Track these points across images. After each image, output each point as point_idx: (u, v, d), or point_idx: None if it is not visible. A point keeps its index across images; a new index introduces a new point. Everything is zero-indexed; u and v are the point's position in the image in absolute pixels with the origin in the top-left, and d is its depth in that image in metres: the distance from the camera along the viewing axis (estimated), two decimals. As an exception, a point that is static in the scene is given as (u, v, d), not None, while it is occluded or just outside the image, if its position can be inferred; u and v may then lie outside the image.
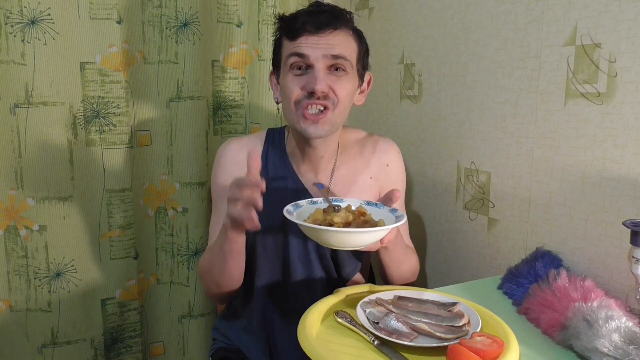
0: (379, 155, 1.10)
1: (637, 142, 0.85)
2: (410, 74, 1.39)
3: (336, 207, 0.85)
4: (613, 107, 0.89)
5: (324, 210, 0.83)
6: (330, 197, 0.90)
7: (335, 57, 0.93)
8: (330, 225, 0.78)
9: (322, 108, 0.94)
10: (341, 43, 0.94)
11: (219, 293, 1.02)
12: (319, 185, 0.93)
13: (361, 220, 0.81)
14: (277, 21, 1.00)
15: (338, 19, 0.95)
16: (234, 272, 0.96)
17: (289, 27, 0.95)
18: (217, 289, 1.00)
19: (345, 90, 0.95)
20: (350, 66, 0.96)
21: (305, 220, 0.80)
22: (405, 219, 0.81)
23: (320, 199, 0.90)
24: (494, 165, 1.14)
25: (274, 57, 1.03)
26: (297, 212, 0.85)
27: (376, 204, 0.88)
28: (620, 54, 0.87)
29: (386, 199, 0.88)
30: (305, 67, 0.94)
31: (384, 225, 0.79)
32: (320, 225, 0.76)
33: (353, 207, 0.86)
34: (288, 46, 0.96)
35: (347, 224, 0.80)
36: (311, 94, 0.92)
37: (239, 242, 0.91)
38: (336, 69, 0.94)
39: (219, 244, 0.93)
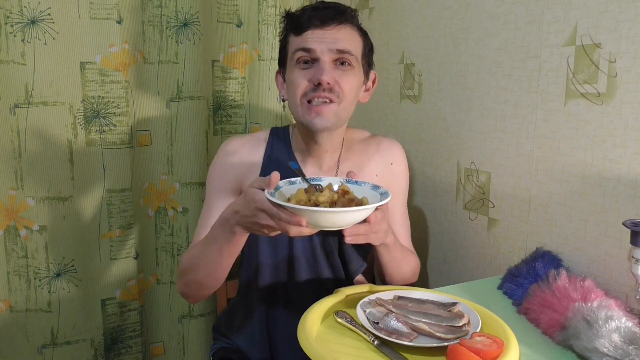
0: (383, 154, 1.11)
1: (637, 142, 0.85)
2: (410, 74, 1.39)
3: (317, 187, 0.83)
4: (613, 107, 0.89)
5: (306, 190, 0.81)
6: (308, 177, 0.87)
7: (341, 51, 0.95)
8: (316, 205, 0.76)
9: (327, 101, 0.95)
10: (346, 37, 0.96)
11: (198, 293, 1.00)
12: (293, 165, 0.89)
13: (346, 198, 0.79)
14: (283, 19, 1.02)
15: (343, 14, 0.97)
16: (224, 274, 0.96)
17: (295, 22, 0.97)
18: (198, 289, 0.99)
19: (350, 84, 0.97)
20: (355, 61, 0.97)
21: (288, 202, 0.78)
22: (389, 198, 0.79)
23: (298, 179, 0.87)
24: (494, 165, 1.14)
25: (280, 55, 1.04)
26: (277, 193, 0.82)
27: (356, 182, 0.86)
28: (620, 54, 0.87)
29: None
30: (311, 60, 0.96)
31: (367, 203, 0.78)
32: (307, 207, 0.74)
33: (335, 186, 0.84)
34: (294, 41, 0.98)
35: (333, 203, 0.78)
36: (317, 86, 0.94)
37: (243, 243, 0.91)
38: (342, 63, 0.96)
39: (216, 246, 0.90)
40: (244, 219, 0.82)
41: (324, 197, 0.77)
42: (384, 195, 0.80)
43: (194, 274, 0.97)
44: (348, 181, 0.86)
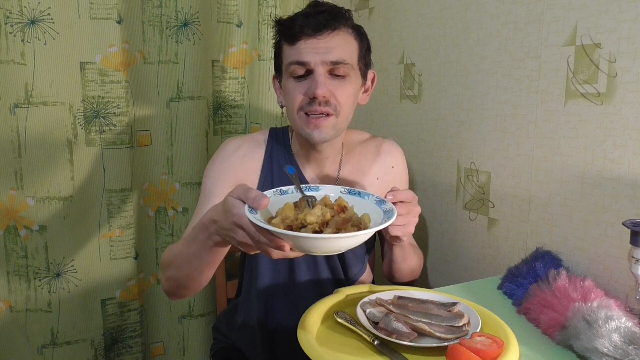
0: (383, 157, 1.10)
1: (637, 142, 0.85)
2: (410, 74, 1.39)
3: (310, 200, 0.72)
4: (613, 107, 0.89)
5: (296, 205, 0.70)
6: (303, 186, 0.76)
7: (335, 62, 0.92)
8: (303, 226, 0.66)
9: (324, 114, 0.93)
10: (340, 45, 0.93)
11: (178, 292, 0.94)
12: (289, 169, 0.79)
13: (341, 218, 0.67)
14: (275, 25, 0.99)
15: (336, 19, 0.93)
16: (205, 279, 0.89)
17: (288, 31, 0.95)
18: (178, 287, 0.92)
19: (346, 94, 0.95)
20: (351, 68, 0.95)
21: (272, 219, 0.67)
22: (394, 218, 0.69)
23: (291, 188, 0.75)
24: (494, 165, 1.14)
25: (275, 61, 1.03)
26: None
27: (359, 193, 0.75)
28: (620, 54, 0.87)
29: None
30: (306, 72, 0.93)
31: (368, 220, 0.69)
32: (286, 230, 0.62)
33: (332, 197, 0.72)
34: (288, 51, 0.95)
35: (325, 224, 0.67)
36: (313, 99, 0.92)
37: (224, 253, 0.84)
38: (337, 74, 0.94)
39: (196, 250, 0.82)
40: (222, 230, 0.73)
41: (312, 216, 0.66)
42: (388, 213, 0.70)
43: (172, 271, 0.90)
44: (350, 192, 0.76)
